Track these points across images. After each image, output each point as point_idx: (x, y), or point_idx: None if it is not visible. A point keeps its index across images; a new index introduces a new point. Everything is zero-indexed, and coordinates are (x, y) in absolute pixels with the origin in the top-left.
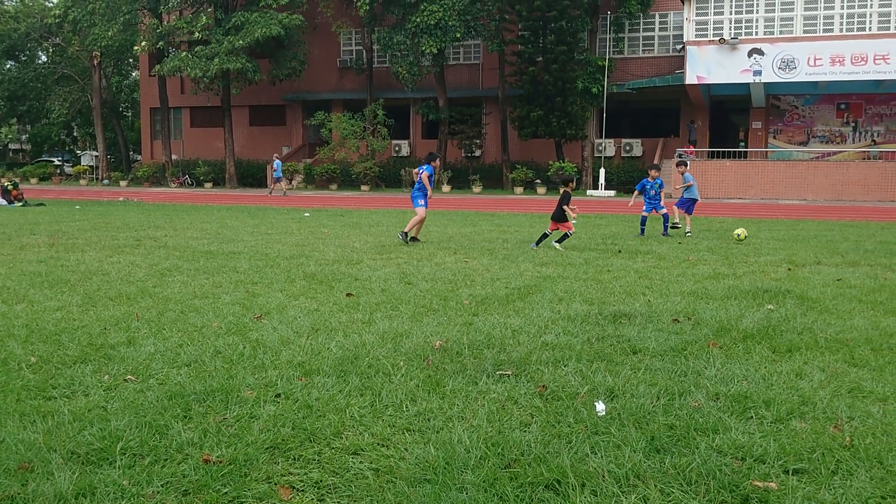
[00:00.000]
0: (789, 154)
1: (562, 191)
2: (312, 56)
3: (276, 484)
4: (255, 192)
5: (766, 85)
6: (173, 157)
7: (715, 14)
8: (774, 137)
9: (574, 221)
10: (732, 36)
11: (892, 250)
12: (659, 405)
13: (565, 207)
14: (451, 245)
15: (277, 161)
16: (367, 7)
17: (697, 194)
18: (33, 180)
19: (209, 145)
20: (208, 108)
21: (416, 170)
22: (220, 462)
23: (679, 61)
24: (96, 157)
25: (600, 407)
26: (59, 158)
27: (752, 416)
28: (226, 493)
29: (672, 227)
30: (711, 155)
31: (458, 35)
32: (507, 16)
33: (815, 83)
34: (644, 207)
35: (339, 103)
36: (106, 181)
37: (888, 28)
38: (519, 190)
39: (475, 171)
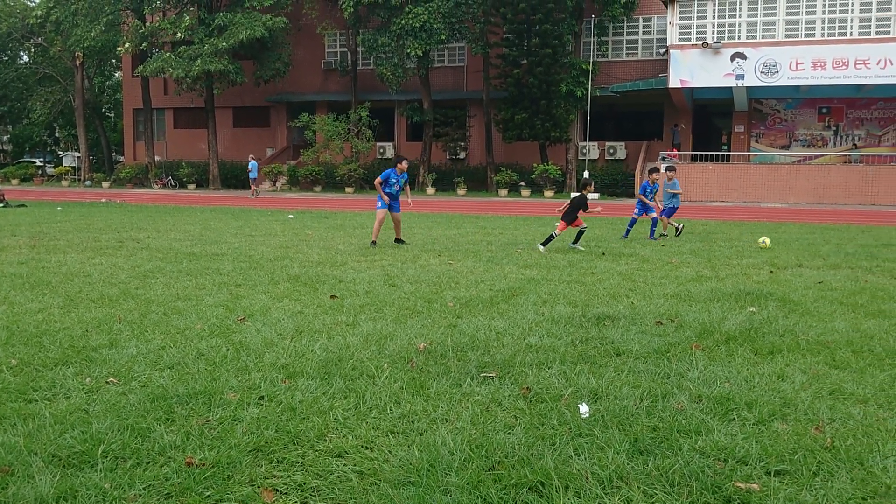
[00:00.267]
0: (771, 158)
1: (578, 194)
2: (297, 57)
3: (259, 487)
4: (239, 194)
5: (749, 89)
6: (156, 158)
7: (698, 18)
8: (757, 141)
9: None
10: (715, 40)
11: (872, 253)
12: (642, 407)
13: (580, 213)
14: (435, 247)
15: (253, 162)
16: (352, 9)
17: (679, 201)
18: (14, 181)
19: (193, 147)
20: (192, 109)
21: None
22: (203, 465)
23: (662, 65)
24: (78, 158)
25: (584, 409)
26: (41, 159)
27: (734, 418)
28: (208, 496)
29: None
30: (695, 158)
31: (443, 38)
32: (492, 19)
33: (797, 87)
34: (636, 210)
35: (324, 105)
36: (88, 182)
37: (869, 33)
38: (503, 192)
39: (459, 174)
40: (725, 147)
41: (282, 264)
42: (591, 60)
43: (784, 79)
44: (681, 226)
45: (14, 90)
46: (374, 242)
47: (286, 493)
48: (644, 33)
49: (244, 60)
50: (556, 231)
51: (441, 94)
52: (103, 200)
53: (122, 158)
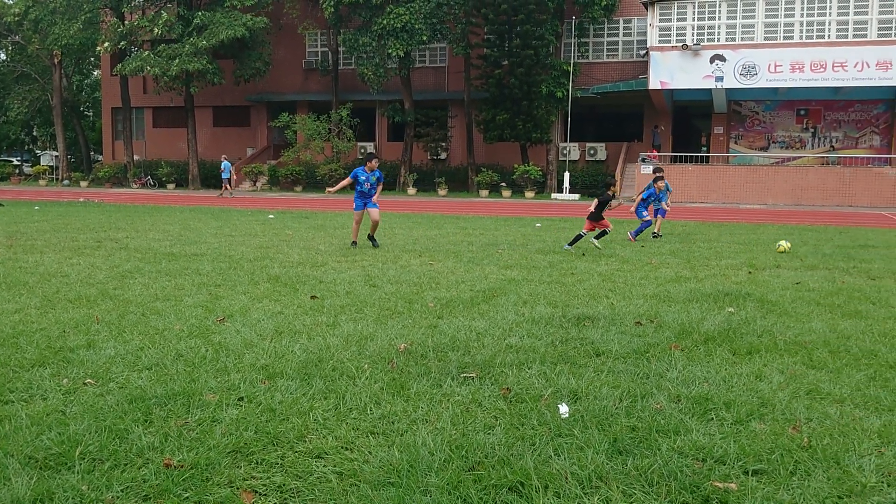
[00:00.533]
0: (750, 159)
1: (602, 194)
2: (277, 57)
3: (238, 488)
4: (219, 194)
5: (728, 91)
6: (135, 157)
7: (678, 20)
8: (736, 142)
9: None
10: (695, 42)
11: (849, 254)
12: (621, 407)
13: (604, 213)
14: (416, 247)
15: (226, 162)
16: (333, 9)
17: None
18: None
19: (172, 146)
20: (171, 108)
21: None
22: (182, 466)
23: (643, 66)
24: (56, 157)
25: (564, 409)
26: (18, 158)
27: (712, 418)
28: (187, 497)
29: (655, 237)
30: (674, 159)
31: (425, 38)
32: (474, 19)
33: (776, 89)
34: (639, 210)
35: (305, 105)
36: (66, 182)
37: (846, 36)
38: (484, 193)
39: (441, 174)
40: (705, 148)
41: (262, 265)
42: (572, 62)
43: (763, 81)
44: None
45: None
46: (354, 243)
47: (265, 495)
48: (624, 35)
49: (224, 59)
50: (584, 230)
51: (422, 95)
52: (81, 200)
53: (100, 158)
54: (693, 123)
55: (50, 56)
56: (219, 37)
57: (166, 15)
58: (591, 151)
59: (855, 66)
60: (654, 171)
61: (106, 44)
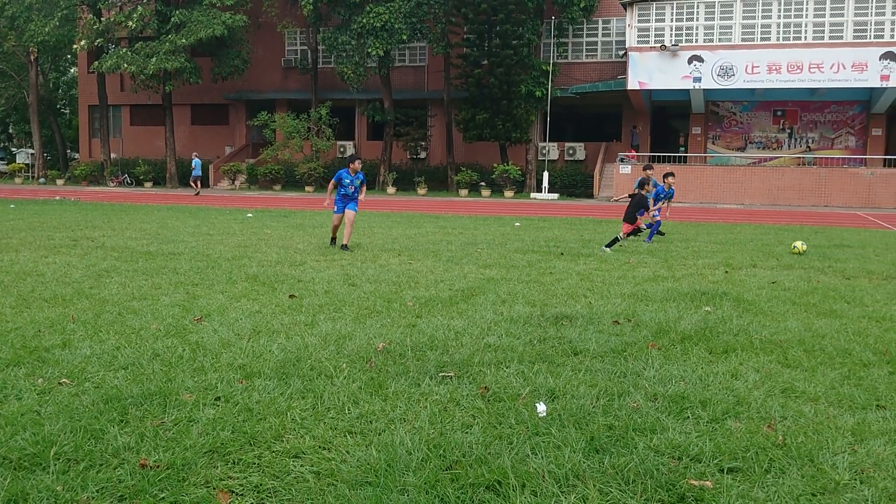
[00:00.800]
0: (728, 159)
1: (635, 192)
2: (256, 55)
3: (214, 488)
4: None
5: (706, 91)
6: (112, 155)
7: (656, 21)
8: (713, 143)
9: (646, 221)
10: (673, 43)
11: (824, 254)
12: (599, 406)
13: (638, 216)
14: (395, 247)
15: (196, 160)
16: (312, 6)
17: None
18: None
19: (150, 144)
20: (149, 106)
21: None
22: (158, 467)
23: (622, 67)
24: (32, 154)
25: (541, 408)
26: None
27: (688, 416)
28: (163, 497)
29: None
30: (652, 159)
31: (404, 37)
32: (453, 19)
33: (753, 90)
34: (654, 213)
35: (284, 103)
36: (42, 180)
37: (822, 38)
38: (464, 192)
39: (420, 173)
40: (683, 148)
41: (240, 264)
42: (551, 61)
43: (740, 82)
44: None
45: None
46: (333, 241)
47: (242, 495)
48: (603, 35)
49: (202, 57)
50: (622, 234)
51: (402, 94)
52: (57, 198)
53: (77, 156)
54: (671, 124)
55: (26, 53)
56: (198, 35)
57: (141, 9)
58: (570, 151)
59: (831, 68)
60: (644, 168)
61: (82, 41)
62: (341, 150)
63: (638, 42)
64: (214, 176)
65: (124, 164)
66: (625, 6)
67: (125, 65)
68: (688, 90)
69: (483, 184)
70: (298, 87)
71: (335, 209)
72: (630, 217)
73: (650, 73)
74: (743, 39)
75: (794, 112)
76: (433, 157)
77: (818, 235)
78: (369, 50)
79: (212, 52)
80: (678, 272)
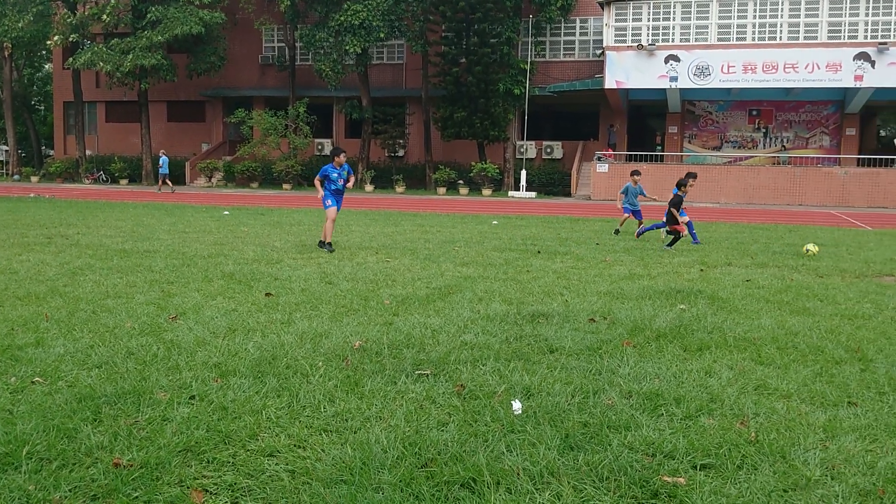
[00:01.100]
0: (703, 158)
1: (674, 193)
2: (233, 52)
3: (188, 487)
4: (176, 190)
5: (682, 91)
6: (87, 152)
7: (633, 20)
8: (690, 142)
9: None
10: (650, 42)
11: (798, 252)
12: (574, 403)
13: (672, 210)
14: (372, 245)
15: (164, 157)
16: (289, 4)
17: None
18: None
19: (125, 141)
20: (125, 102)
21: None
22: (131, 466)
23: (599, 66)
24: (6, 151)
25: (517, 405)
26: None
27: (662, 414)
28: (136, 497)
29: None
30: (629, 158)
31: (382, 35)
32: (432, 17)
33: (729, 90)
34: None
35: (261, 100)
36: (16, 176)
37: (797, 38)
38: (442, 190)
39: (398, 171)
40: (659, 147)
41: (216, 261)
42: (529, 60)
43: (716, 81)
44: (619, 228)
45: None
46: (329, 244)
47: (216, 494)
48: (581, 34)
49: (178, 54)
50: (681, 234)
51: (380, 92)
52: (32, 195)
53: (51, 152)
54: (648, 123)
55: (0, 49)
56: (174, 31)
57: (114, 1)
58: (548, 150)
59: (805, 68)
60: (689, 176)
61: (56, 37)
62: (319, 147)
63: (615, 41)
64: (191, 173)
65: (100, 161)
66: (602, 6)
67: (101, 63)
68: (664, 89)
69: (461, 182)
70: (276, 84)
71: (329, 203)
72: (671, 219)
73: (627, 72)
74: (719, 39)
75: (769, 112)
76: (411, 155)
77: (792, 234)
78: (347, 47)
79: (188, 48)
80: (654, 270)
